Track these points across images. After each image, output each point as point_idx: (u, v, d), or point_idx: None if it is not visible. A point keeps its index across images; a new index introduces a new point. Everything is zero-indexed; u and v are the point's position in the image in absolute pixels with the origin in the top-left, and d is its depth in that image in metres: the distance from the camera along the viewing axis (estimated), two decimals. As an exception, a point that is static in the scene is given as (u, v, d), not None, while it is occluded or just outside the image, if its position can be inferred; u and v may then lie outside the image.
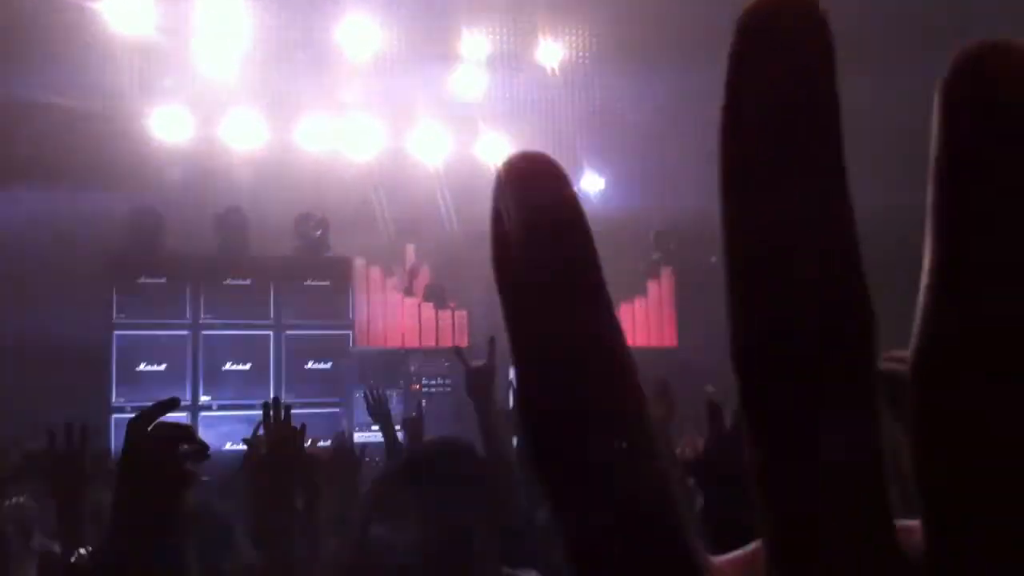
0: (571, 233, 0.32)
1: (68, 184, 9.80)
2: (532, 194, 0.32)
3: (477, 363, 3.51)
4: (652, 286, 11.13)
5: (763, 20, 0.29)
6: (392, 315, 10.19)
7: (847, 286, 0.29)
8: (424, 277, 10.98)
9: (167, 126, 10.87)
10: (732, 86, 0.31)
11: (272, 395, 8.98)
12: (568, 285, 0.32)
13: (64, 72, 10.07)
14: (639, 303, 11.08)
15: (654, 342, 10.94)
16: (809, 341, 0.28)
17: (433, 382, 9.48)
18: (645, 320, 11.03)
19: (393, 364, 9.56)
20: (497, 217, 0.33)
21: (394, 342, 10.08)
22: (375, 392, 5.67)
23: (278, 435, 3.51)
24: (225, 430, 8.55)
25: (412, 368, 9.51)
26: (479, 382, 3.44)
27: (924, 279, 0.28)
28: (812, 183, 0.29)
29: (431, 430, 5.97)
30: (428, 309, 10.33)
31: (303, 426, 3.81)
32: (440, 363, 9.54)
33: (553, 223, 0.31)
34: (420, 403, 6.99)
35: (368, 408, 5.63)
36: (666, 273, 11.18)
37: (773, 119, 0.30)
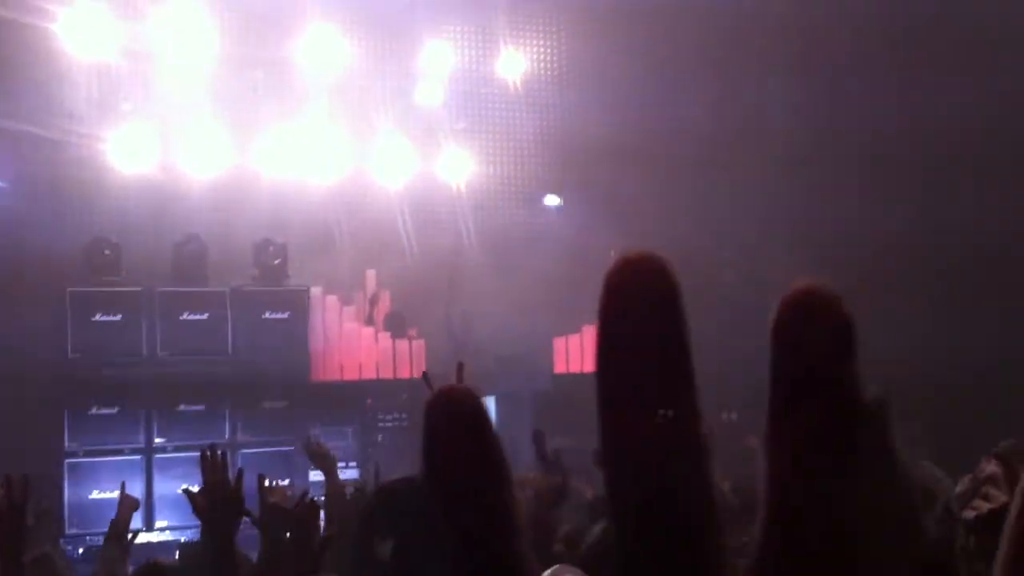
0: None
1: (24, 209, 9.80)
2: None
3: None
4: None
5: (623, 278, 0.43)
6: (349, 346, 10.20)
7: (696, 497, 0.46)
8: (385, 304, 11.02)
9: (125, 150, 10.81)
10: (603, 332, 0.45)
11: (227, 435, 9.09)
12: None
13: (21, 95, 10.03)
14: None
15: None
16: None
17: (390, 416, 9.51)
18: None
19: (350, 399, 9.59)
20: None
21: (351, 374, 10.12)
22: (313, 442, 5.70)
23: (212, 483, 3.63)
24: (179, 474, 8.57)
25: (369, 402, 9.52)
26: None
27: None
28: (668, 403, 0.44)
29: (392, 468, 6.06)
30: (386, 339, 10.35)
31: (240, 471, 3.86)
32: (399, 396, 9.59)
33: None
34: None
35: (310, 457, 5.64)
36: None
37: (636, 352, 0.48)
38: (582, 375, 10.58)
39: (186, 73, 11.28)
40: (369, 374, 10.12)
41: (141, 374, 9.23)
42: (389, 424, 9.51)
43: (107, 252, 9.67)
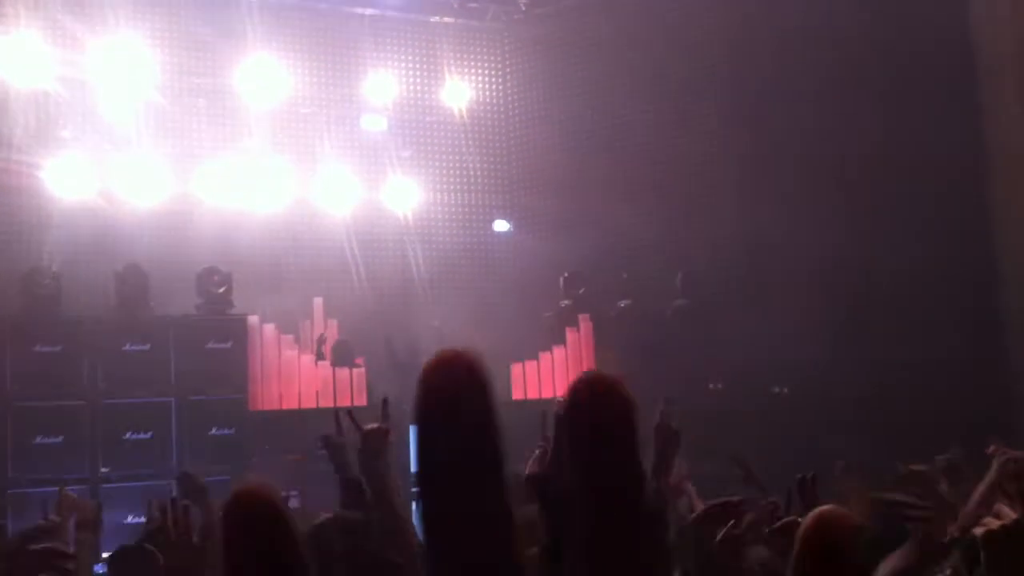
0: None
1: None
2: None
3: (371, 426, 3.31)
4: (571, 334, 11.15)
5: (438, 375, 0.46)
6: (288, 375, 10.04)
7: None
8: (332, 332, 10.88)
9: (64, 179, 10.60)
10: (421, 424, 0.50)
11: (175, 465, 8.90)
12: None
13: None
14: (558, 352, 11.10)
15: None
16: None
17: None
18: (564, 368, 11.05)
19: (289, 427, 9.41)
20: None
21: (290, 403, 9.98)
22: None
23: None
24: (125, 502, 8.40)
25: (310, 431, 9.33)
26: (373, 445, 3.30)
27: None
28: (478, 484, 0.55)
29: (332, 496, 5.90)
30: (325, 368, 10.20)
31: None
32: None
33: None
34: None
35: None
36: (584, 321, 11.22)
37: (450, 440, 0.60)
38: (540, 400, 10.55)
39: (127, 101, 11.11)
40: (309, 403, 9.93)
41: (82, 405, 9.00)
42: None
43: (47, 282, 9.42)
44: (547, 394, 10.78)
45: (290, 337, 10.22)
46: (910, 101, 10.44)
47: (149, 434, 9.11)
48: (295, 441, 8.99)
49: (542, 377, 11.03)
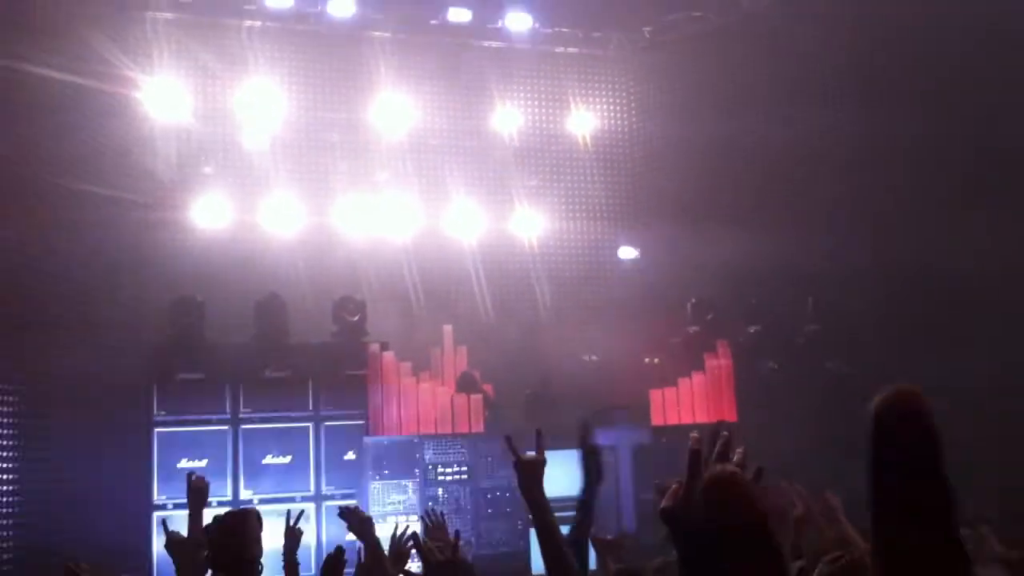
0: None
1: (109, 274, 9.97)
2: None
3: (529, 455, 3.27)
4: (709, 359, 11.06)
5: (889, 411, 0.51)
6: (406, 402, 10.17)
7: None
8: (461, 359, 11.02)
9: (207, 214, 11.07)
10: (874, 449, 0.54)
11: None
12: None
13: (106, 160, 10.27)
14: (697, 378, 11.01)
15: (713, 417, 10.87)
16: None
17: (450, 470, 9.43)
18: (704, 394, 10.96)
19: (407, 452, 9.53)
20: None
21: (409, 429, 10.08)
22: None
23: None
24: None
25: (427, 456, 9.45)
26: (532, 473, 3.22)
27: None
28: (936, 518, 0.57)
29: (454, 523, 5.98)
30: (444, 395, 10.25)
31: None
32: (456, 448, 9.51)
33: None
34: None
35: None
36: (722, 346, 11.11)
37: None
38: (680, 426, 10.51)
39: (264, 136, 11.54)
40: (427, 429, 10.01)
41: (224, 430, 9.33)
42: (449, 477, 9.45)
43: (192, 311, 9.80)
44: (687, 420, 10.71)
45: (408, 364, 10.27)
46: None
47: (289, 457, 9.36)
48: (412, 465, 9.16)
49: (681, 403, 10.93)
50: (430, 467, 9.52)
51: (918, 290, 10.24)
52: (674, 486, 1.92)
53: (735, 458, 1.89)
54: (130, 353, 9.44)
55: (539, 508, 3.19)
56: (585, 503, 3.72)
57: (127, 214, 10.23)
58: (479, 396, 10.18)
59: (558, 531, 3.19)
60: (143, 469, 9.07)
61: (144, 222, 10.55)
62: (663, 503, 1.91)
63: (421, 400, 10.17)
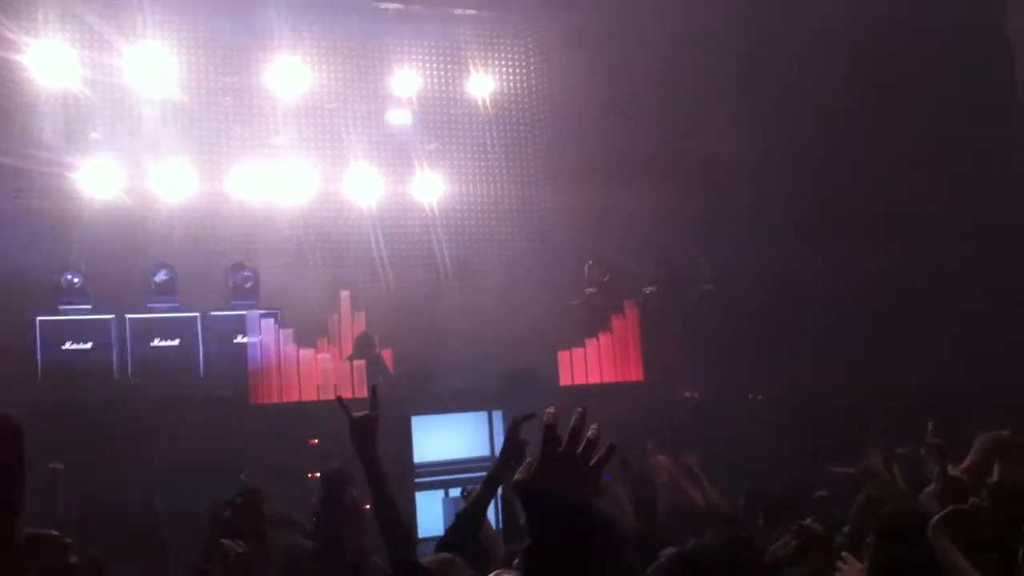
0: None
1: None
2: None
3: (361, 413, 3.37)
4: (617, 320, 11.15)
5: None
6: (287, 369, 9.95)
7: None
8: (359, 324, 10.98)
9: (94, 180, 10.80)
10: None
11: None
12: None
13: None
14: (604, 339, 11.11)
15: (620, 377, 11.02)
16: None
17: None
18: (611, 354, 11.08)
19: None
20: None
21: (290, 396, 9.89)
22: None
23: None
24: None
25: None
26: (365, 429, 3.33)
27: None
28: None
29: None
30: (325, 361, 10.20)
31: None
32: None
33: None
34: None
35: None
36: (630, 307, 11.21)
37: None
38: (588, 386, 10.74)
39: (154, 101, 11.29)
40: (309, 396, 9.91)
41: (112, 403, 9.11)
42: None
43: (76, 280, 9.62)
44: (594, 379, 10.85)
45: (289, 331, 10.17)
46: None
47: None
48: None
49: (589, 364, 11.05)
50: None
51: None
52: (529, 460, 1.94)
53: (589, 434, 1.90)
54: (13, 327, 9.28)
55: (372, 464, 3.31)
56: (493, 478, 3.88)
57: (9, 180, 10.01)
58: (363, 362, 10.14)
59: (389, 485, 3.35)
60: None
61: (29, 189, 10.34)
62: (516, 476, 1.93)
63: (302, 368, 10.06)
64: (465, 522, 3.77)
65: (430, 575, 3.21)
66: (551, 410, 1.92)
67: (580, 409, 1.92)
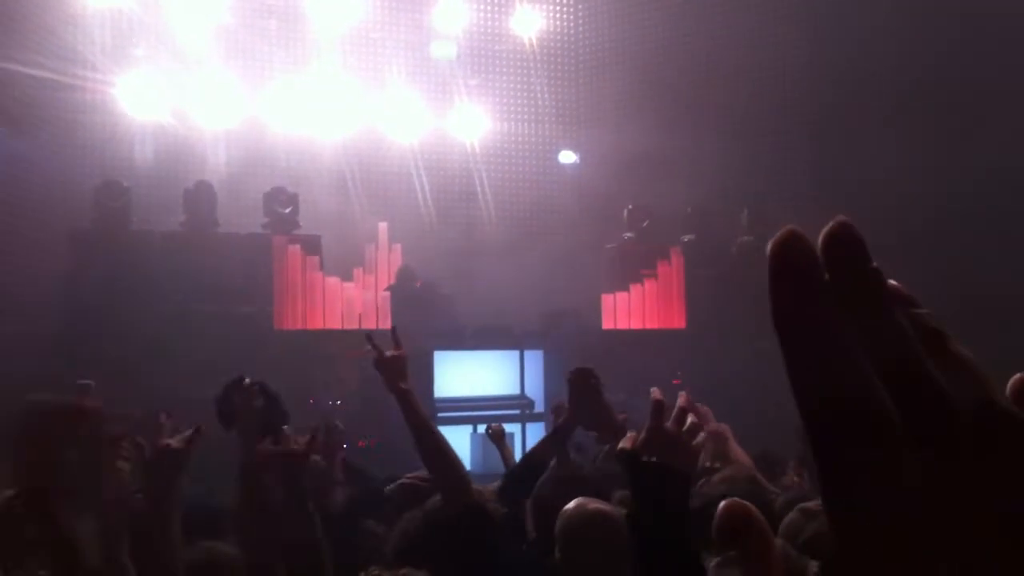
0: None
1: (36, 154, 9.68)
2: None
3: (392, 352, 3.33)
4: (662, 266, 11.04)
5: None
6: (312, 296, 9.98)
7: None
8: (396, 256, 10.92)
9: (137, 99, 10.71)
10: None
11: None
12: None
13: (33, 40, 9.90)
14: (649, 283, 11.01)
15: (663, 324, 10.94)
16: None
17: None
18: (655, 299, 10.99)
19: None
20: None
21: (314, 323, 9.94)
22: None
23: None
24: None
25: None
26: (394, 368, 3.30)
27: None
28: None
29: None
30: (349, 289, 10.22)
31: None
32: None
33: None
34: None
35: None
36: (675, 253, 11.08)
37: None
38: (630, 331, 10.64)
39: (199, 21, 11.18)
40: (333, 324, 9.91)
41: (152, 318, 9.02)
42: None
43: (118, 195, 9.54)
44: (636, 325, 10.78)
45: (316, 259, 10.13)
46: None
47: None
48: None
49: (632, 308, 10.98)
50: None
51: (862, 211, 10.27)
52: (631, 434, 2.02)
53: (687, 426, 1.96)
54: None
55: (406, 400, 3.28)
56: (561, 430, 3.96)
57: (53, 95, 9.92)
58: (387, 294, 10.10)
59: (428, 420, 3.35)
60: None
61: (70, 104, 10.25)
62: (622, 443, 2.00)
63: (327, 294, 10.06)
64: (523, 474, 3.81)
65: (491, 517, 3.18)
66: (656, 389, 1.99)
67: (683, 393, 2.00)
